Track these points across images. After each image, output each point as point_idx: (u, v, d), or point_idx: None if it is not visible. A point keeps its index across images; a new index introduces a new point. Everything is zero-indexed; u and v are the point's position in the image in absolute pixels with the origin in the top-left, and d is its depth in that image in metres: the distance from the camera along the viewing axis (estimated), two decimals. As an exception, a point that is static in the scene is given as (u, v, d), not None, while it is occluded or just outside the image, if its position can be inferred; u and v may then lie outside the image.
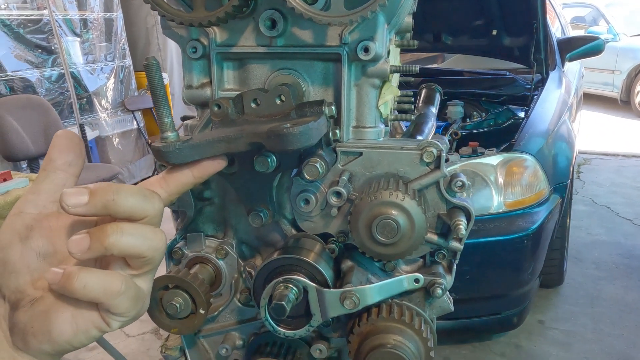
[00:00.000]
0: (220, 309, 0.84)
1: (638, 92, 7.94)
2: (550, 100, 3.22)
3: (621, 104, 8.23)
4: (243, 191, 0.73)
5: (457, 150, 2.89)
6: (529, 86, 3.47)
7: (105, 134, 5.07)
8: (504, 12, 3.40)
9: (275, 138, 0.56)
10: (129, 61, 5.34)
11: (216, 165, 0.62)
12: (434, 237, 0.71)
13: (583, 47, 3.78)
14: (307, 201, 0.73)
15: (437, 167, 0.69)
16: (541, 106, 3.07)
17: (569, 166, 2.91)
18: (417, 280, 0.69)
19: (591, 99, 7.79)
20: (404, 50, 0.74)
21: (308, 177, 0.65)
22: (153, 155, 0.63)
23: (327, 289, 0.67)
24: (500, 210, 2.50)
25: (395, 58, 0.80)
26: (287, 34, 0.71)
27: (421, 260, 0.77)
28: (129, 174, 5.32)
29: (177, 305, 0.73)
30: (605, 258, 3.58)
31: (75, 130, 4.70)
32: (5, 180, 1.89)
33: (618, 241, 3.84)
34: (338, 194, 0.71)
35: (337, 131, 0.71)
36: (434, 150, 0.69)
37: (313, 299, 0.67)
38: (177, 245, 0.84)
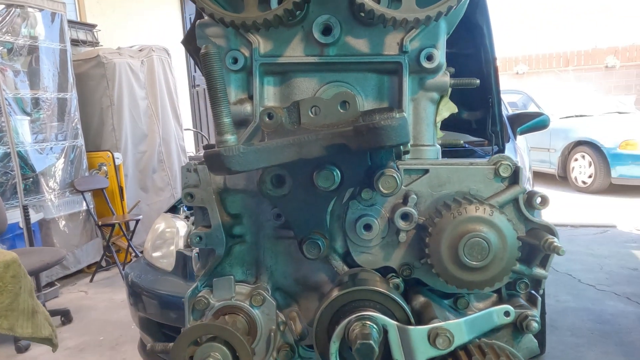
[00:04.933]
0: (254, 372, 0.69)
1: (573, 168, 8.56)
2: (512, 169, 3.33)
3: (559, 179, 8.82)
4: (296, 216, 0.62)
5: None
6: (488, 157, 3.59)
7: (51, 216, 4.71)
8: (462, 87, 3.60)
9: (370, 133, 0.47)
10: (81, 141, 5.15)
11: None
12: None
13: (532, 121, 4.03)
14: (369, 227, 0.62)
15: (515, 182, 0.62)
16: (505, 174, 3.15)
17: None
18: (507, 314, 0.59)
19: (533, 175, 8.28)
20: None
21: (384, 191, 0.55)
22: (206, 164, 0.52)
23: (412, 327, 0.55)
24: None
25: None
26: (341, 42, 0.65)
27: (495, 295, 0.68)
28: (74, 258, 4.90)
29: (216, 362, 0.58)
30: (579, 324, 3.55)
31: (18, 212, 4.34)
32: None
33: (587, 307, 3.85)
34: (406, 216, 0.61)
35: (424, 135, 0.63)
36: (510, 164, 0.62)
37: (394, 340, 0.54)
38: (200, 294, 0.70)
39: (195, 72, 7.91)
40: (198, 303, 0.69)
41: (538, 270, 0.62)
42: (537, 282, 0.63)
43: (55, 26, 4.88)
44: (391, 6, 0.60)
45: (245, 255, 0.71)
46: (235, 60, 0.65)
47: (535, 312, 0.61)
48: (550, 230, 0.62)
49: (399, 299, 0.55)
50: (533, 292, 0.64)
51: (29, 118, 4.64)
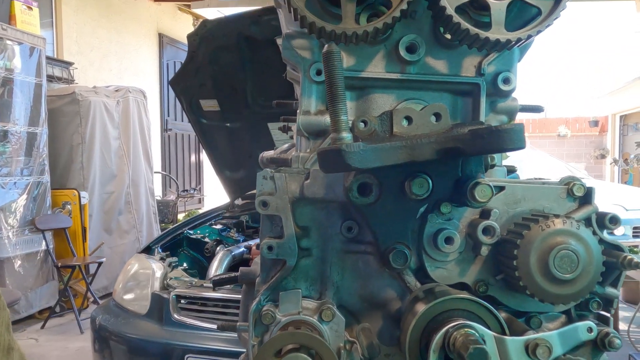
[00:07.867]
0: (320, 393, 0.65)
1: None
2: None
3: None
4: (382, 225, 0.61)
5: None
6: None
7: (6, 255, 4.41)
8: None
9: (492, 136, 0.48)
10: (46, 177, 4.94)
11: None
12: (588, 282, 0.63)
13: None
14: (450, 240, 0.63)
15: (587, 202, 0.65)
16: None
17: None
18: (590, 330, 0.59)
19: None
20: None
21: (480, 200, 0.56)
22: (319, 161, 0.51)
23: (509, 337, 0.54)
24: None
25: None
26: (421, 62, 0.68)
27: (563, 316, 0.68)
28: (26, 302, 4.55)
29: (304, 374, 0.55)
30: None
31: (-29, 249, 4.06)
32: None
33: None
34: (488, 231, 0.62)
35: (495, 155, 0.65)
36: (583, 185, 0.65)
37: (492, 350, 0.53)
38: (264, 308, 0.66)
39: (168, 116, 7.87)
40: (264, 317, 0.65)
41: (610, 290, 0.64)
42: (608, 302, 0.65)
43: (32, 60, 4.80)
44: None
45: (310, 270, 0.69)
46: (319, 72, 0.66)
47: (614, 331, 0.62)
48: (621, 248, 0.64)
49: (493, 309, 0.55)
50: (603, 312, 0.65)
51: (-6, 150, 4.44)
